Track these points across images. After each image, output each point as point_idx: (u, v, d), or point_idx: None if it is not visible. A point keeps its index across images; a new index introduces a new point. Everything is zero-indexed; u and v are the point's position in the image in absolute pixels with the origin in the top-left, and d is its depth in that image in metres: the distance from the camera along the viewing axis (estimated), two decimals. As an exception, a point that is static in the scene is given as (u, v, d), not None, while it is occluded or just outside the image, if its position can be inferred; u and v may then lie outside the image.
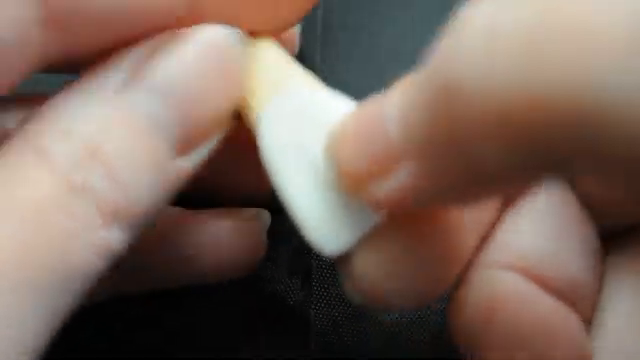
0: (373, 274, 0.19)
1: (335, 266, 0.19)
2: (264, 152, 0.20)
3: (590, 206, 0.22)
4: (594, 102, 0.14)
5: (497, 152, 0.15)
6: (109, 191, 0.19)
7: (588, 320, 0.21)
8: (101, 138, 0.19)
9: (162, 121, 0.19)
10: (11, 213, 0.18)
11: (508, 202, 0.21)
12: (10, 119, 0.22)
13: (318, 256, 0.26)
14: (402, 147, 0.17)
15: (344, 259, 0.19)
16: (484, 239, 0.21)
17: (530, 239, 0.21)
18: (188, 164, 0.20)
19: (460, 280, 0.21)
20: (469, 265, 0.21)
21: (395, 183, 0.17)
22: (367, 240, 0.19)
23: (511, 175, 0.16)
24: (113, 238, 0.19)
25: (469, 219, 0.20)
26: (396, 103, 0.17)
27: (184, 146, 0.20)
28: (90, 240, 0.19)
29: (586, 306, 0.21)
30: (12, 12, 0.18)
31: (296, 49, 0.24)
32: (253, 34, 0.21)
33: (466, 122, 0.15)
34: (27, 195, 0.18)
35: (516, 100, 0.14)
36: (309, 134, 0.20)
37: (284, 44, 0.21)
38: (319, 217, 0.19)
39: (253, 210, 0.25)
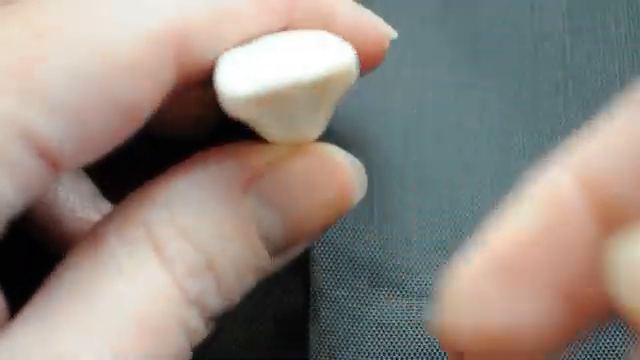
0: None
1: None
2: (216, 75, 0.19)
3: None
4: None
5: None
6: (216, 302, 0.20)
7: None
8: (216, 248, 0.20)
9: (271, 233, 0.21)
10: (128, 313, 0.19)
11: None
12: None
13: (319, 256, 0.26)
14: None
15: None
16: None
17: None
18: (279, 263, 0.22)
19: None
20: None
21: None
22: None
23: None
24: (206, 334, 0.20)
25: None
26: None
27: (281, 251, 0.21)
28: (193, 345, 0.20)
29: None
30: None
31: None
32: None
33: None
34: (146, 298, 0.19)
35: None
36: (258, 48, 0.19)
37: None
38: (233, 69, 0.19)
39: None
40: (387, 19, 0.24)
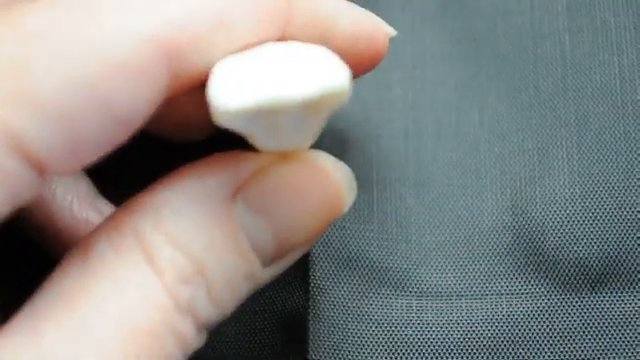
0: None
1: None
2: (209, 84, 0.19)
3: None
4: None
5: None
6: (207, 310, 0.20)
7: None
8: (206, 256, 0.20)
9: (261, 241, 0.21)
10: (118, 319, 0.19)
11: None
12: None
13: (316, 258, 0.26)
14: None
15: None
16: None
17: None
18: (272, 273, 0.21)
19: None
20: None
21: None
22: None
23: None
24: (199, 343, 0.20)
25: None
26: None
27: (273, 260, 0.21)
28: (185, 353, 0.20)
29: None
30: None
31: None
32: None
33: None
34: (137, 305, 0.19)
35: None
36: (252, 57, 0.19)
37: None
38: (226, 82, 0.18)
39: None
40: (387, 19, 0.24)
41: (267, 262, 0.21)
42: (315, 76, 0.19)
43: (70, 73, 0.17)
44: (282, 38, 0.20)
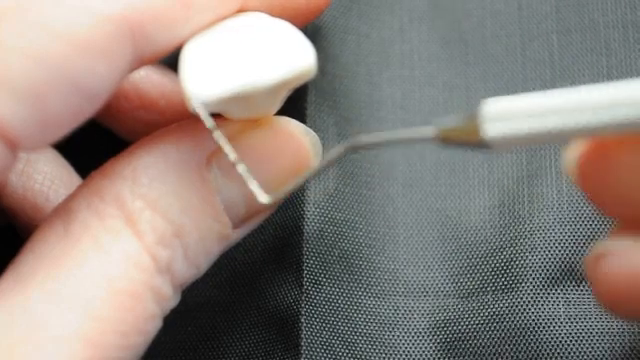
0: None
1: None
2: (181, 63, 0.20)
3: None
4: None
5: None
6: (183, 270, 0.21)
7: None
8: (184, 218, 0.21)
9: (234, 204, 0.22)
10: (102, 280, 0.19)
11: None
12: None
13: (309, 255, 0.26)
14: None
15: None
16: None
17: None
18: (242, 234, 0.23)
19: None
20: None
21: None
22: None
23: None
24: (175, 302, 0.21)
25: None
26: None
27: (243, 222, 0.22)
28: (163, 312, 0.21)
29: None
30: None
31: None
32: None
33: None
34: (120, 267, 0.20)
35: None
36: (219, 31, 0.20)
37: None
38: (199, 70, 0.19)
39: None
40: (376, 18, 0.24)
41: (238, 224, 0.22)
42: (284, 59, 0.20)
43: (37, 53, 0.18)
44: (242, 9, 0.21)
